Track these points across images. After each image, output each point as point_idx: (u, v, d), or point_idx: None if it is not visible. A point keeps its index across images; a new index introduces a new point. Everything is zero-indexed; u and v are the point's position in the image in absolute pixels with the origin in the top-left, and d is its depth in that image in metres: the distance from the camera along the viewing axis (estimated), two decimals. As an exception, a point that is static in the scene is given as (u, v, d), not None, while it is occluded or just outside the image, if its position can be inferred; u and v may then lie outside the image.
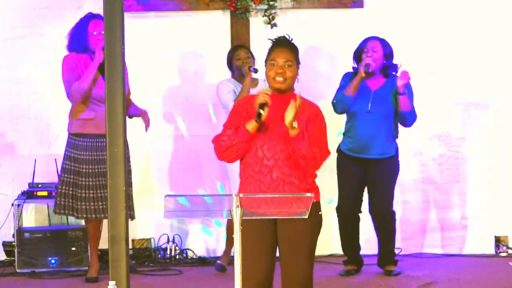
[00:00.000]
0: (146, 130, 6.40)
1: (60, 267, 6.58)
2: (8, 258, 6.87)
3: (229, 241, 6.58)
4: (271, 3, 7.07)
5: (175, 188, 7.15)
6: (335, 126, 6.67)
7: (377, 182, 6.25)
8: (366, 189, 6.34)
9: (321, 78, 7.09)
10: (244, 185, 4.16)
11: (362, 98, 6.19)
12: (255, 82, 6.46)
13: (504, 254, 7.13)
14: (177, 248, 7.04)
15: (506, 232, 7.24)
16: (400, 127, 6.34)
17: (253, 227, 4.02)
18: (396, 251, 6.49)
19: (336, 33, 7.15)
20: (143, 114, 6.33)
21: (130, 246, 6.92)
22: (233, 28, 7.11)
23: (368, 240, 6.68)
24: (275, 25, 7.04)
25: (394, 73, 6.29)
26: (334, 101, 6.21)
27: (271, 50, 4.20)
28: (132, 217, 6.27)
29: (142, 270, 6.63)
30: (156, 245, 7.11)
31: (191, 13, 7.19)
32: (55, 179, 6.74)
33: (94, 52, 6.09)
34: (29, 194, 6.71)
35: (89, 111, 6.14)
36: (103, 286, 5.79)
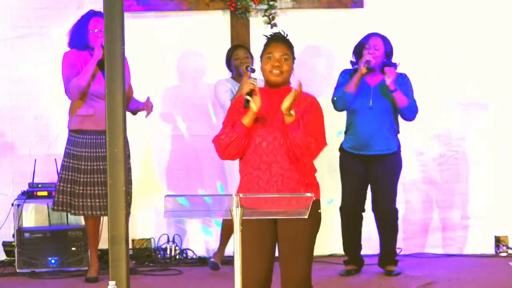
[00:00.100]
0: (146, 116, 6.37)
1: (60, 267, 6.58)
2: (8, 258, 6.87)
3: (224, 240, 6.59)
4: (271, 3, 7.08)
5: (175, 188, 7.15)
6: (336, 126, 6.67)
7: (380, 179, 6.25)
8: (369, 188, 6.34)
9: (320, 77, 7.09)
10: (243, 182, 4.16)
11: (362, 95, 6.19)
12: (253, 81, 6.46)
13: (504, 254, 7.13)
14: (177, 248, 7.04)
15: (506, 232, 7.24)
16: (401, 123, 6.33)
17: (253, 227, 4.02)
18: (397, 251, 6.49)
19: (336, 33, 7.15)
20: (146, 104, 6.31)
21: (130, 246, 6.92)
22: (233, 28, 7.12)
23: (368, 240, 6.68)
24: (275, 25, 7.04)
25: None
26: (335, 98, 6.20)
27: (267, 45, 4.21)
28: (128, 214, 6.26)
29: (142, 270, 6.63)
30: (156, 245, 7.12)
31: (191, 13, 7.19)
32: (55, 179, 6.74)
33: (94, 49, 6.10)
34: (29, 194, 6.71)
35: (87, 108, 6.15)
36: (103, 286, 5.79)
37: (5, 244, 6.91)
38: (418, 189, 7.20)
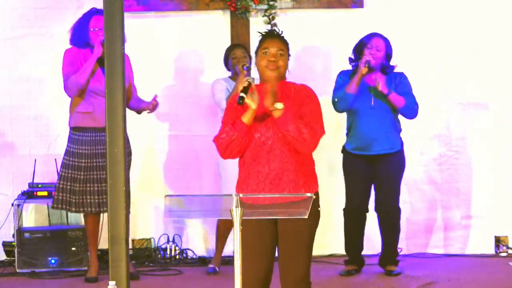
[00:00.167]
0: (148, 112, 6.35)
1: (60, 267, 6.58)
2: (8, 258, 6.87)
3: (219, 243, 6.58)
4: (271, 3, 7.08)
5: (175, 188, 7.15)
6: (336, 126, 6.68)
7: (383, 178, 6.24)
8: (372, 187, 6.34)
9: (320, 77, 7.09)
10: (242, 177, 4.14)
11: (363, 95, 6.18)
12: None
13: (504, 254, 7.13)
14: (177, 248, 7.04)
15: (506, 232, 7.24)
16: (402, 122, 6.32)
17: (253, 227, 4.02)
18: (398, 251, 6.48)
19: (336, 33, 7.15)
20: (152, 103, 6.30)
21: (130, 246, 6.92)
22: (233, 28, 7.12)
23: (369, 240, 6.67)
24: (275, 25, 7.03)
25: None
26: (336, 99, 6.19)
27: (262, 41, 4.21)
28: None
29: (142, 270, 6.63)
30: (156, 245, 7.11)
31: (191, 13, 7.19)
32: (55, 179, 6.74)
33: (94, 47, 6.11)
34: (29, 194, 6.71)
35: (86, 105, 6.16)
36: (103, 286, 5.79)
37: (5, 244, 6.91)
38: (418, 189, 7.20)
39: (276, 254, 4.20)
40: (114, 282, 3.59)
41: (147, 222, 7.15)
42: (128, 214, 3.79)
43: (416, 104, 6.23)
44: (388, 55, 6.26)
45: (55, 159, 6.74)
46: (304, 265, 4.14)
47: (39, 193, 6.70)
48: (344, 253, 6.50)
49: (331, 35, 7.17)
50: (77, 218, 6.87)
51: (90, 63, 6.08)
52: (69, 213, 6.68)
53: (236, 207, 3.38)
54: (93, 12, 6.19)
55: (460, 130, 7.23)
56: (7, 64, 7.08)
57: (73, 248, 6.60)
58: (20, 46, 7.08)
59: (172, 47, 7.19)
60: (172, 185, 7.18)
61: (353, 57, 6.31)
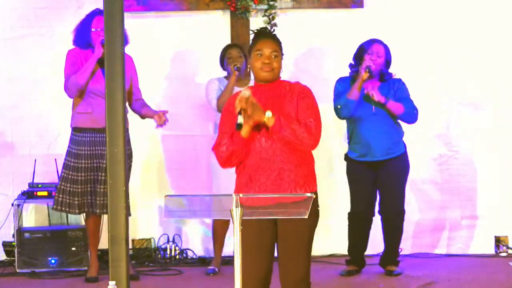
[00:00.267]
0: (157, 127, 6.34)
1: (60, 267, 6.58)
2: (8, 258, 6.87)
3: (217, 245, 6.57)
4: (271, 3, 7.07)
5: (175, 188, 7.15)
6: (338, 128, 6.68)
7: (388, 182, 6.24)
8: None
9: (320, 77, 7.08)
10: (243, 179, 4.13)
11: (364, 102, 6.18)
12: (246, 81, 6.45)
13: (504, 254, 7.13)
14: (177, 248, 7.04)
15: (506, 232, 7.24)
16: (403, 122, 6.33)
17: (253, 227, 4.02)
18: (399, 252, 6.48)
19: (336, 33, 7.15)
20: (159, 115, 6.28)
21: (130, 246, 6.92)
22: (233, 28, 7.11)
23: (370, 241, 6.66)
24: (275, 25, 7.04)
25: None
26: (338, 106, 6.17)
27: (255, 41, 4.18)
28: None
29: (142, 270, 6.63)
30: (156, 245, 7.11)
31: (191, 13, 7.19)
32: (55, 179, 6.75)
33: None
34: (29, 194, 6.71)
35: (86, 105, 6.16)
36: (103, 286, 5.79)
37: (5, 244, 6.91)
38: (418, 189, 7.20)
39: (276, 254, 4.20)
40: (114, 282, 3.59)
41: (147, 222, 7.15)
42: (128, 216, 3.78)
43: (416, 109, 6.23)
44: (388, 61, 6.25)
45: (55, 159, 6.74)
46: (304, 265, 4.15)
47: (39, 193, 6.70)
48: (344, 253, 6.50)
49: (331, 35, 7.17)
50: (77, 218, 6.87)
51: (90, 64, 6.08)
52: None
53: (236, 207, 3.38)
54: (95, 12, 6.19)
55: (460, 130, 7.23)
56: (7, 64, 7.08)
57: (73, 248, 6.60)
58: (20, 46, 7.08)
59: (172, 47, 7.19)
60: (172, 185, 7.18)
61: (353, 63, 6.31)
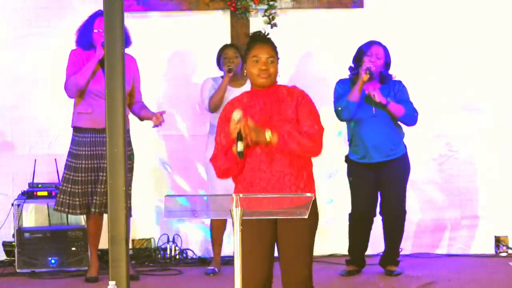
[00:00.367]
0: (153, 126, 6.34)
1: (60, 267, 6.58)
2: (8, 258, 6.87)
3: (216, 245, 6.57)
4: (271, 3, 7.08)
5: (175, 188, 7.15)
6: (338, 130, 6.67)
7: (389, 183, 6.24)
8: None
9: (320, 77, 7.08)
10: (243, 184, 4.13)
11: (364, 104, 6.18)
12: (242, 81, 6.44)
13: (504, 254, 7.13)
14: (177, 248, 7.04)
15: (506, 232, 7.24)
16: (403, 126, 6.33)
17: (253, 227, 4.02)
18: (399, 252, 6.48)
19: (336, 33, 7.15)
20: (157, 115, 6.28)
21: (130, 246, 6.92)
22: (233, 28, 7.12)
23: (370, 241, 6.66)
24: (275, 25, 7.04)
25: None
26: (339, 109, 6.16)
27: (251, 46, 4.16)
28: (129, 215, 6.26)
29: (142, 270, 6.63)
30: (156, 245, 7.12)
31: (191, 13, 7.19)
32: (55, 179, 6.75)
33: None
34: (29, 194, 6.71)
35: (86, 106, 6.16)
36: (103, 286, 5.79)
37: (5, 244, 6.91)
38: (418, 189, 7.20)
39: (275, 254, 4.20)
40: (114, 282, 3.60)
41: (147, 222, 7.15)
42: (129, 217, 3.78)
43: (416, 112, 6.23)
44: (387, 63, 6.25)
45: (55, 159, 6.74)
46: (305, 267, 4.14)
47: (39, 193, 6.70)
48: (344, 253, 6.50)
49: (331, 35, 7.17)
50: (77, 218, 6.87)
51: (91, 65, 6.08)
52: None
53: (236, 207, 3.38)
54: (98, 14, 6.19)
55: (460, 130, 7.23)
56: (7, 64, 7.08)
57: (73, 248, 6.60)
58: (20, 46, 7.08)
59: (172, 47, 7.19)
60: (172, 185, 7.18)
61: (353, 65, 6.30)
